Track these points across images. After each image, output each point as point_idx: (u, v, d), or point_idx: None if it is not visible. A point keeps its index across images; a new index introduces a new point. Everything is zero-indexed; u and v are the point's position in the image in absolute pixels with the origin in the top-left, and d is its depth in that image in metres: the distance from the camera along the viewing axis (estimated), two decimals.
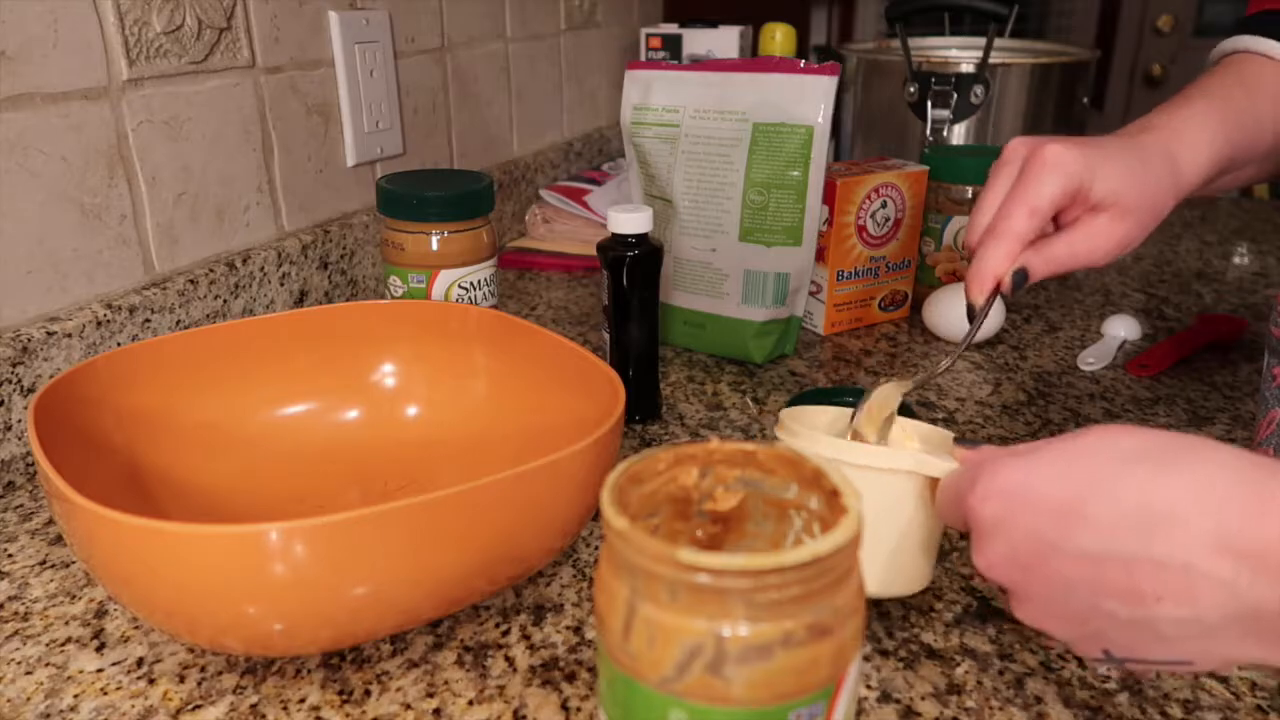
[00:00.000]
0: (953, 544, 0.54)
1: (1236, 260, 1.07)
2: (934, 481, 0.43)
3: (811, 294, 0.85)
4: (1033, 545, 0.35)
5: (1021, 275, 0.52)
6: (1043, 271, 0.52)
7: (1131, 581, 0.32)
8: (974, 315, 0.52)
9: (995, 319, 0.82)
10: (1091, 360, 0.78)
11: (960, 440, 0.42)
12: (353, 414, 0.62)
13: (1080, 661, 0.45)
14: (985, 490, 0.36)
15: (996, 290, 0.52)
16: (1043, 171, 0.50)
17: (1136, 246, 0.54)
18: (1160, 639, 0.33)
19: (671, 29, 1.32)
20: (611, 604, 0.30)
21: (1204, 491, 0.32)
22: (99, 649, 0.46)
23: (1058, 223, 0.53)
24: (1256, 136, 0.57)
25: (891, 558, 0.45)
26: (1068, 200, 0.52)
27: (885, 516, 0.44)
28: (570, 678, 0.44)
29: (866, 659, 0.45)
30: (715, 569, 0.27)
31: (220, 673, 0.44)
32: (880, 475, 0.43)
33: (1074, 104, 1.14)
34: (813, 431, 0.45)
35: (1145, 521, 0.32)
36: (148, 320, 0.67)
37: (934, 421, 0.68)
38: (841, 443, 0.44)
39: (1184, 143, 0.54)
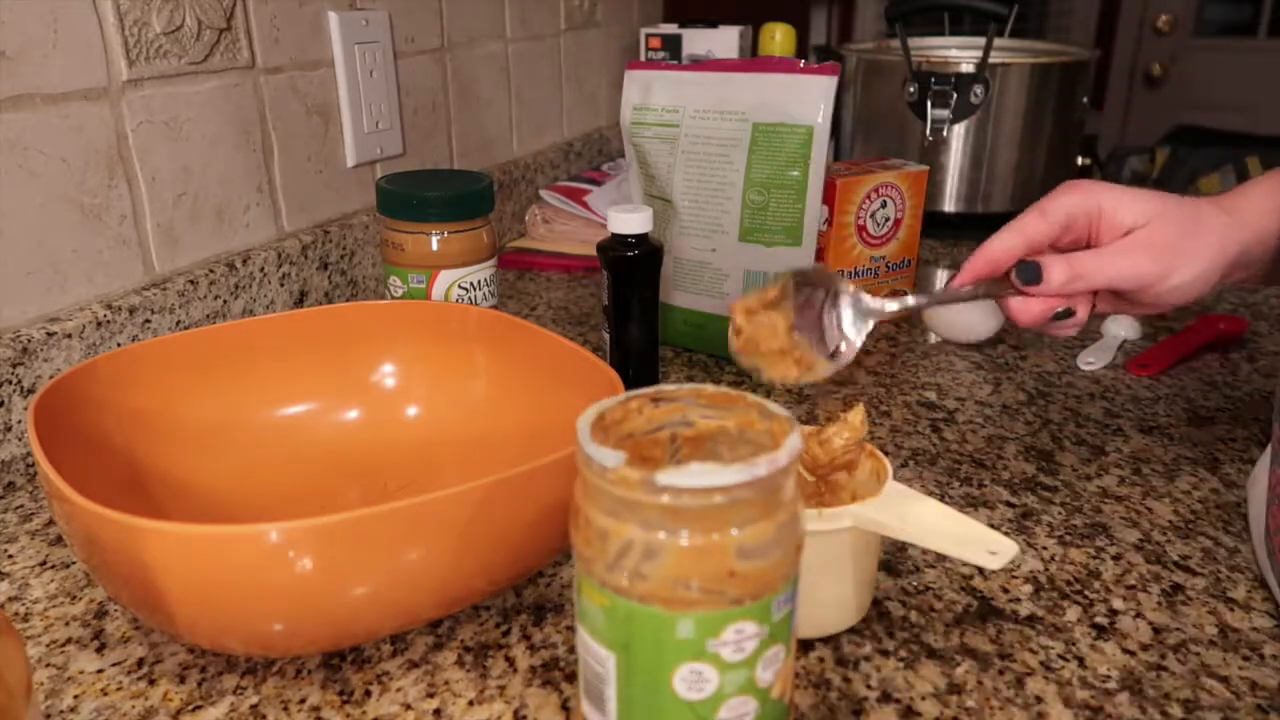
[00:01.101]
0: (936, 558, 0.54)
1: None
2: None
3: None
4: None
5: (1033, 268, 0.52)
6: (1062, 275, 0.52)
7: None
8: (953, 295, 0.54)
9: (995, 319, 0.82)
10: (1091, 360, 0.78)
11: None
12: (353, 414, 0.62)
13: (1081, 661, 0.45)
14: None
15: (1004, 280, 0.53)
16: (1060, 189, 0.54)
17: (1195, 292, 0.52)
18: None
19: (671, 29, 1.32)
20: (607, 540, 0.32)
21: None
22: (99, 649, 0.46)
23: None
24: None
25: (831, 602, 0.45)
26: (1081, 214, 0.52)
27: (823, 569, 0.44)
28: (571, 678, 0.44)
29: (867, 659, 0.45)
30: (706, 487, 0.30)
31: (220, 673, 0.44)
32: (819, 536, 0.43)
33: (1074, 104, 1.14)
34: None
35: None
36: (148, 321, 0.67)
37: (934, 421, 0.68)
38: None
39: (1244, 195, 0.54)
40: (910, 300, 0.54)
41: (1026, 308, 0.54)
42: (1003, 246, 0.54)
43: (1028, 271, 0.52)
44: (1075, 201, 0.53)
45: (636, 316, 0.68)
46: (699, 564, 0.31)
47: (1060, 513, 0.57)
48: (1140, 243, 0.52)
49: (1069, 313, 0.54)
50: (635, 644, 0.33)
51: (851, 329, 0.52)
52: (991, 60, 1.06)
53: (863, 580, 0.46)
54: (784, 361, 0.51)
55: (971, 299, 0.55)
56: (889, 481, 0.45)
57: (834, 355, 0.52)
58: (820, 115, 0.72)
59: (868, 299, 0.53)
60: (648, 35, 1.33)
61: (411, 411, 0.63)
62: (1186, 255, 0.52)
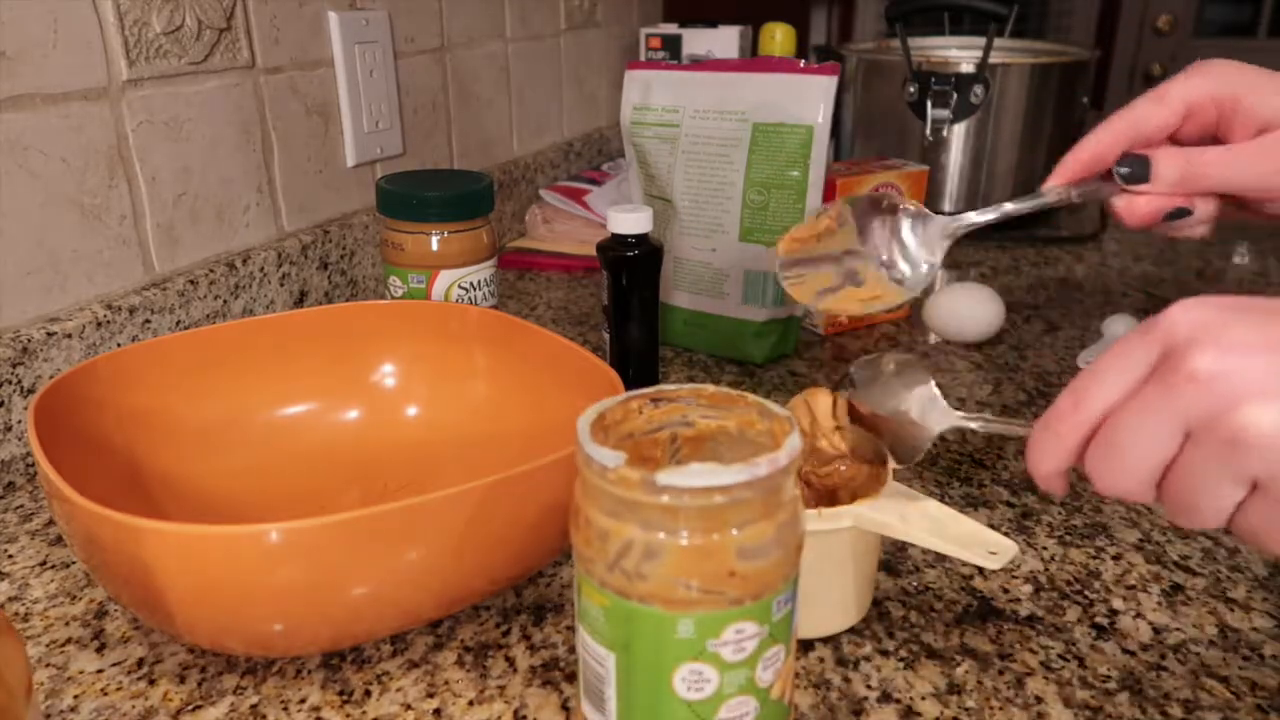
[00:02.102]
0: (936, 558, 0.54)
1: (1236, 260, 1.07)
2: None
3: None
4: None
5: (1140, 163, 0.46)
6: (1174, 171, 0.45)
7: None
8: (1043, 200, 0.49)
9: (996, 319, 0.82)
10: (1091, 360, 0.78)
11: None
12: (353, 414, 0.62)
13: (1081, 661, 0.45)
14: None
15: (1108, 177, 0.47)
16: (1185, 70, 0.46)
17: None
18: None
19: (671, 29, 1.32)
20: (607, 541, 0.32)
21: None
22: (99, 649, 0.46)
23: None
24: None
25: (831, 602, 0.45)
26: (1208, 103, 0.45)
27: (823, 569, 0.44)
28: (571, 678, 0.44)
29: (867, 659, 0.45)
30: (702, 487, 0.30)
31: (220, 673, 0.44)
32: (819, 535, 0.43)
33: (1074, 104, 1.14)
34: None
35: None
36: (148, 321, 0.67)
37: None
38: None
39: None
40: (992, 213, 0.48)
41: (1132, 207, 0.47)
42: (1110, 137, 0.47)
43: (1133, 166, 0.46)
44: (1203, 86, 0.46)
45: (636, 316, 0.68)
46: (699, 564, 0.31)
47: (1060, 513, 0.57)
48: (1273, 142, 0.44)
49: (1185, 212, 0.47)
50: (635, 644, 0.33)
51: (921, 250, 0.48)
52: (991, 60, 1.06)
53: (863, 580, 0.46)
54: (843, 295, 0.49)
55: (1065, 201, 0.49)
56: (889, 481, 0.45)
57: (902, 281, 0.49)
58: (820, 115, 0.71)
59: (938, 216, 0.49)
60: (648, 35, 1.33)
61: (411, 411, 0.63)
62: None
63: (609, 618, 0.33)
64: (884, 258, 0.48)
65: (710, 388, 0.37)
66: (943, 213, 1.13)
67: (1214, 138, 0.47)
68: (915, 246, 0.49)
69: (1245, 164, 0.45)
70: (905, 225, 0.49)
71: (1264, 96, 0.44)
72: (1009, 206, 0.50)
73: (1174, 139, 0.48)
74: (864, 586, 0.46)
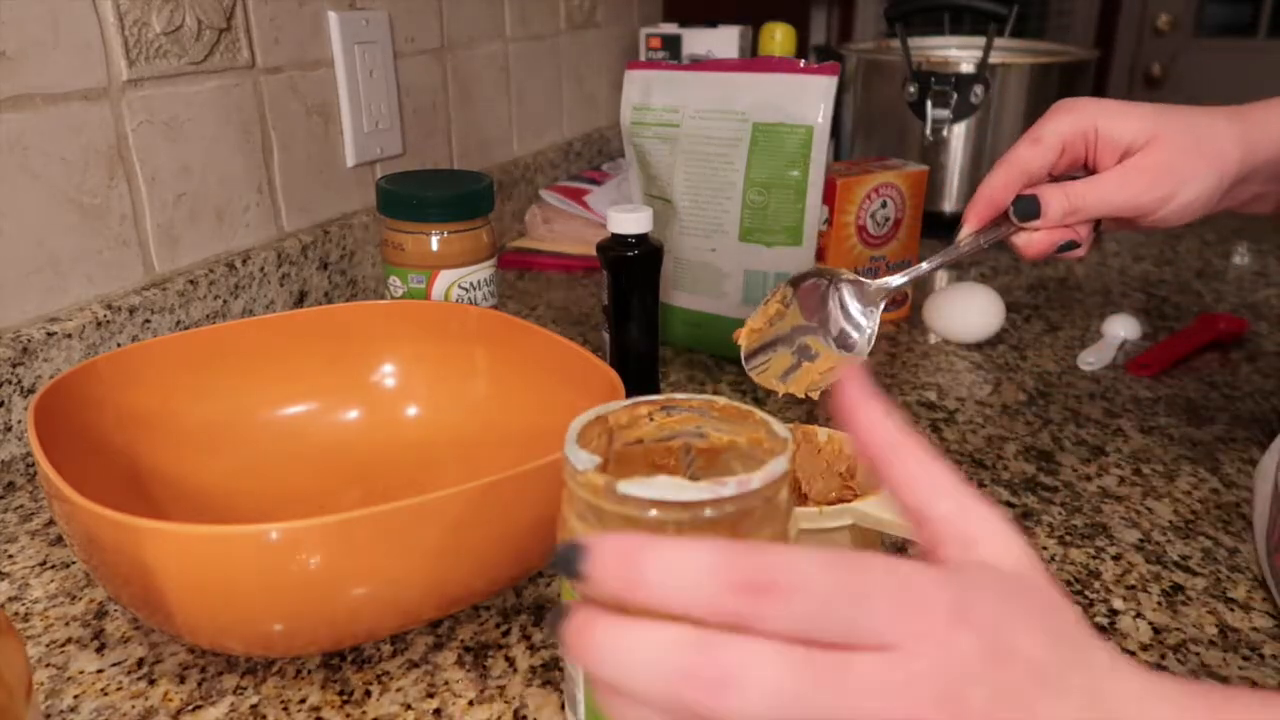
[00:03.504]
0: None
1: (1236, 260, 1.07)
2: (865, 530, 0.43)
3: None
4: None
5: (1030, 203, 0.51)
6: (1059, 208, 0.50)
7: None
8: (958, 251, 0.53)
9: (995, 319, 0.82)
10: (1091, 360, 0.78)
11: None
12: (353, 414, 0.62)
13: None
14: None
15: (1006, 218, 0.52)
16: (1051, 110, 0.52)
17: (1198, 211, 0.50)
18: None
19: (671, 29, 1.32)
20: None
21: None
22: (99, 649, 0.46)
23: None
24: None
25: None
26: (1076, 137, 0.51)
27: None
28: None
29: None
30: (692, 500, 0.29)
31: (220, 673, 0.44)
32: (819, 534, 0.43)
33: None
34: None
35: None
36: (148, 321, 0.67)
37: (934, 421, 0.68)
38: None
39: (1263, 104, 0.51)
40: (918, 268, 0.53)
41: (1030, 243, 0.52)
42: (1001, 182, 0.53)
43: (1025, 207, 0.51)
44: (1069, 123, 0.52)
45: (636, 316, 0.68)
46: None
47: (1060, 513, 0.57)
48: (1138, 168, 0.50)
49: (1074, 244, 0.53)
50: None
51: (862, 315, 0.52)
52: (991, 60, 1.06)
53: None
54: (802, 373, 0.51)
55: (976, 249, 0.54)
56: None
57: (850, 347, 0.52)
58: (820, 115, 0.71)
59: (870, 281, 0.52)
60: (648, 35, 1.33)
61: (411, 411, 0.63)
62: (1186, 176, 0.49)
63: None
64: (834, 332, 0.52)
65: (721, 400, 0.37)
66: (942, 228, 1.13)
67: (1085, 165, 0.53)
68: (858, 312, 0.53)
69: (1113, 189, 0.50)
70: (846, 292, 0.53)
71: (1117, 123, 0.50)
72: (924, 266, 0.54)
73: (1054, 175, 0.54)
74: None
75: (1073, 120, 0.51)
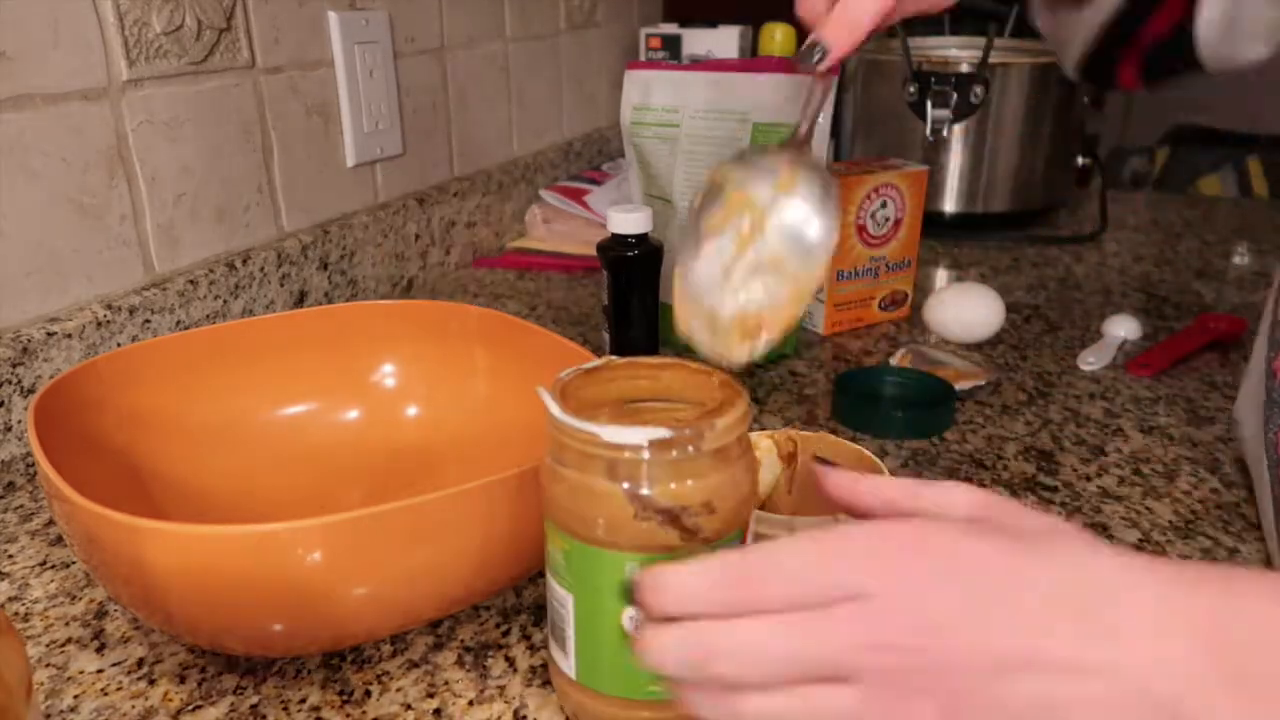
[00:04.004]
0: None
1: (1236, 260, 1.07)
2: None
3: None
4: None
5: (812, 49, 0.49)
6: (843, 37, 0.48)
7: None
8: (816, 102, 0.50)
9: (996, 319, 0.82)
10: (1091, 360, 0.78)
11: (824, 461, 0.37)
12: (353, 414, 0.62)
13: None
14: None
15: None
16: None
17: None
18: None
19: (671, 29, 1.32)
20: (559, 483, 0.37)
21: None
22: (99, 649, 0.46)
23: None
24: None
25: None
26: None
27: None
28: None
29: None
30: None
31: (220, 673, 0.44)
32: None
33: (1074, 104, 1.14)
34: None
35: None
36: (148, 321, 0.67)
37: None
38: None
39: None
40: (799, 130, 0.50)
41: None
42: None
43: (810, 53, 0.49)
44: None
45: (636, 316, 0.68)
46: (624, 508, 0.35)
47: (1060, 513, 0.57)
48: None
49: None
50: (588, 585, 0.37)
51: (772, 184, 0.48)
52: (991, 60, 1.06)
53: None
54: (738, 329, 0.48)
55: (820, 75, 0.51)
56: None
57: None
58: (820, 115, 0.71)
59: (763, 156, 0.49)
60: (648, 35, 1.33)
61: (411, 411, 0.63)
62: None
63: (567, 560, 0.37)
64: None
65: (690, 364, 0.40)
66: (942, 228, 1.12)
67: None
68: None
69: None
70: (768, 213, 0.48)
71: None
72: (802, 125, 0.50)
73: None
74: None
75: None
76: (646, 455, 0.34)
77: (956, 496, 0.33)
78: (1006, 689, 0.29)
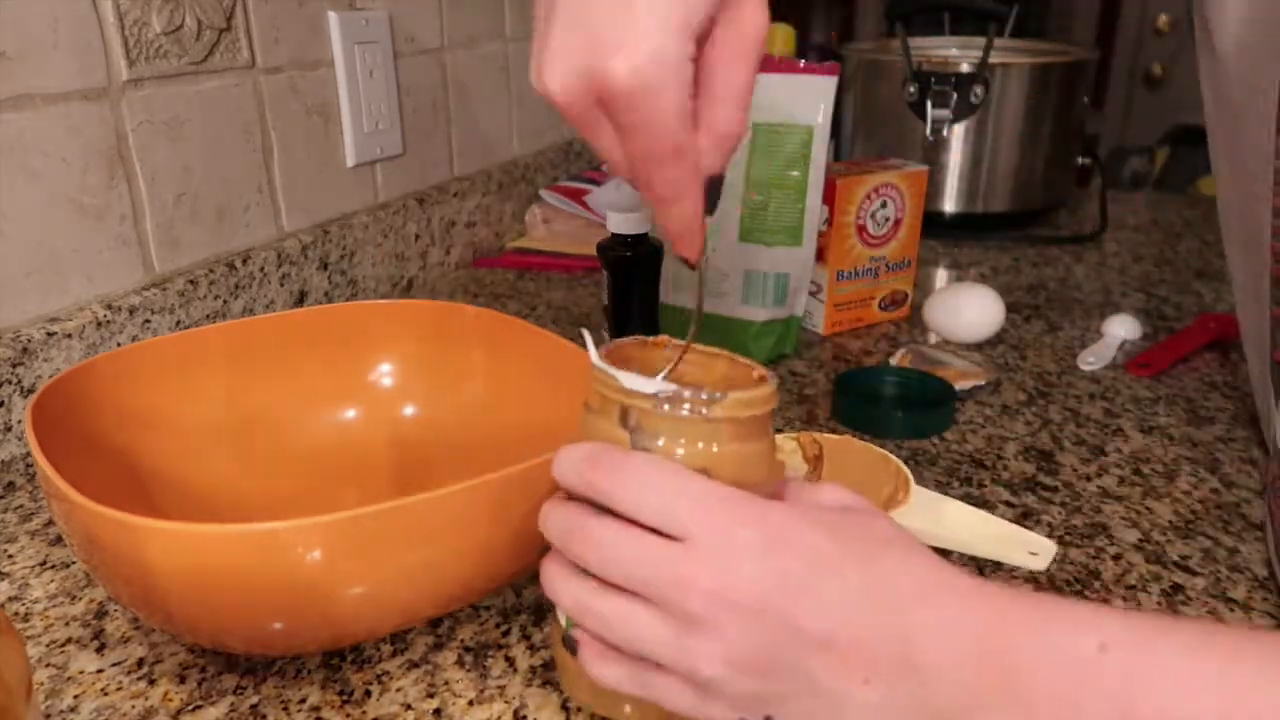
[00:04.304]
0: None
1: None
2: None
3: (811, 294, 0.85)
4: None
5: (718, 181, 0.40)
6: (713, 160, 0.38)
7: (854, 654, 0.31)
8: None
9: (996, 319, 0.82)
10: (1091, 360, 0.78)
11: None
12: (350, 413, 0.62)
13: None
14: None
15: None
16: None
17: None
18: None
19: None
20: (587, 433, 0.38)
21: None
22: (99, 649, 0.46)
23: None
24: None
25: None
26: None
27: None
28: None
29: None
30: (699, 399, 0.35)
31: (220, 673, 0.44)
32: None
33: (1074, 104, 1.14)
34: None
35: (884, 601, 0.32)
36: (148, 321, 0.67)
37: None
38: None
39: None
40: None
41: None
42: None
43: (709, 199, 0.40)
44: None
45: (636, 316, 0.68)
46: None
47: (1060, 513, 0.57)
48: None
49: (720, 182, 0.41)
50: None
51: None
52: (991, 60, 1.06)
53: None
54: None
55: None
56: (914, 488, 0.45)
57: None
58: (820, 115, 0.71)
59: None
60: None
61: (409, 411, 0.63)
62: None
63: None
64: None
65: (725, 353, 0.42)
66: (942, 228, 1.12)
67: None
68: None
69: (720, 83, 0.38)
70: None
71: None
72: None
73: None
74: None
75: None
76: (659, 407, 0.35)
77: (835, 492, 0.36)
78: (793, 658, 0.31)
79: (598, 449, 0.35)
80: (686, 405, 0.35)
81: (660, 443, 0.35)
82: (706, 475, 0.35)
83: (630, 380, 0.35)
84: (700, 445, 0.35)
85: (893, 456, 0.48)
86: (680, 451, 0.35)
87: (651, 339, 0.41)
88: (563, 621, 0.38)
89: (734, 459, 0.36)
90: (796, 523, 0.33)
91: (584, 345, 0.39)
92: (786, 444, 0.51)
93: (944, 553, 0.45)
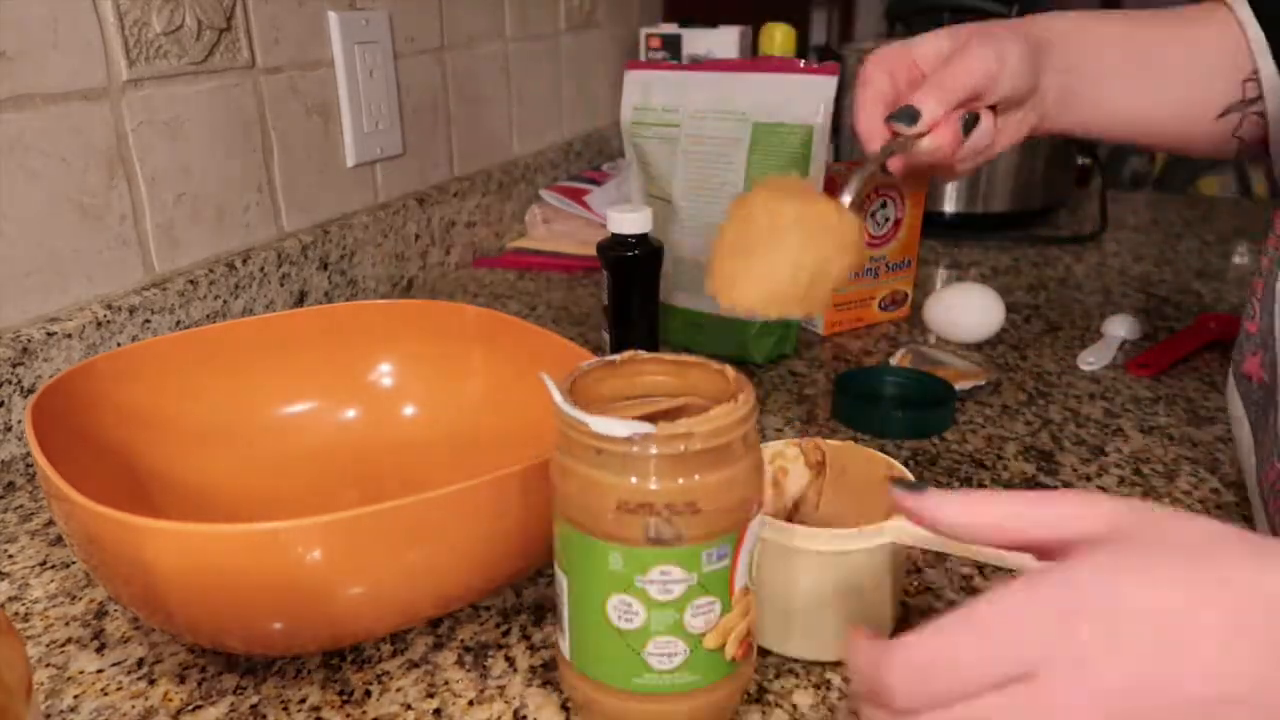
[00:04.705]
0: (936, 558, 0.54)
1: (1236, 260, 1.07)
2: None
3: None
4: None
5: (906, 111, 0.54)
6: (930, 95, 0.55)
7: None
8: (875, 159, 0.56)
9: (996, 319, 0.82)
10: (1091, 360, 0.78)
11: (907, 484, 0.35)
12: (351, 413, 0.62)
13: None
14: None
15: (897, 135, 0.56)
16: (867, 60, 0.60)
17: (1020, 77, 0.57)
18: None
19: (671, 29, 1.32)
20: (558, 470, 0.37)
21: None
22: (99, 649, 0.46)
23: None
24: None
25: (871, 619, 0.44)
26: (899, 65, 0.58)
27: (861, 587, 0.43)
28: None
29: None
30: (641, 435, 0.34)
31: (220, 673, 0.44)
32: (858, 554, 0.42)
33: None
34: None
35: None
36: (148, 320, 0.67)
37: None
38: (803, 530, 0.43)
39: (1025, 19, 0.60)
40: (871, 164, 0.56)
41: (939, 143, 0.56)
42: (871, 114, 0.57)
43: (904, 113, 0.55)
44: (889, 55, 0.59)
45: (636, 316, 0.68)
46: (606, 500, 0.35)
47: None
48: (965, 47, 0.56)
49: (975, 118, 0.57)
50: (578, 569, 0.37)
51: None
52: None
53: (896, 596, 0.46)
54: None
55: (889, 155, 0.56)
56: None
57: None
58: (820, 115, 0.71)
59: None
60: (648, 35, 1.33)
61: (409, 411, 0.63)
62: (1003, 42, 0.56)
63: (563, 544, 0.38)
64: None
65: (692, 359, 0.41)
66: (942, 228, 1.12)
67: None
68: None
69: (959, 63, 0.55)
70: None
71: (928, 43, 0.59)
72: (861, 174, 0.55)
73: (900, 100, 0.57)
74: (896, 602, 0.46)
75: (887, 56, 0.59)
76: (632, 449, 0.34)
77: (1085, 511, 0.31)
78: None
79: (903, 663, 0.30)
80: (659, 446, 0.34)
81: (638, 484, 0.34)
82: (694, 508, 0.35)
83: (600, 425, 0.34)
84: (679, 480, 0.35)
85: (896, 462, 0.48)
86: (654, 484, 0.34)
87: (619, 357, 0.41)
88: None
89: (721, 484, 0.35)
90: (1121, 592, 0.28)
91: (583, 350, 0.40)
92: (789, 450, 0.50)
93: (944, 556, 0.45)
